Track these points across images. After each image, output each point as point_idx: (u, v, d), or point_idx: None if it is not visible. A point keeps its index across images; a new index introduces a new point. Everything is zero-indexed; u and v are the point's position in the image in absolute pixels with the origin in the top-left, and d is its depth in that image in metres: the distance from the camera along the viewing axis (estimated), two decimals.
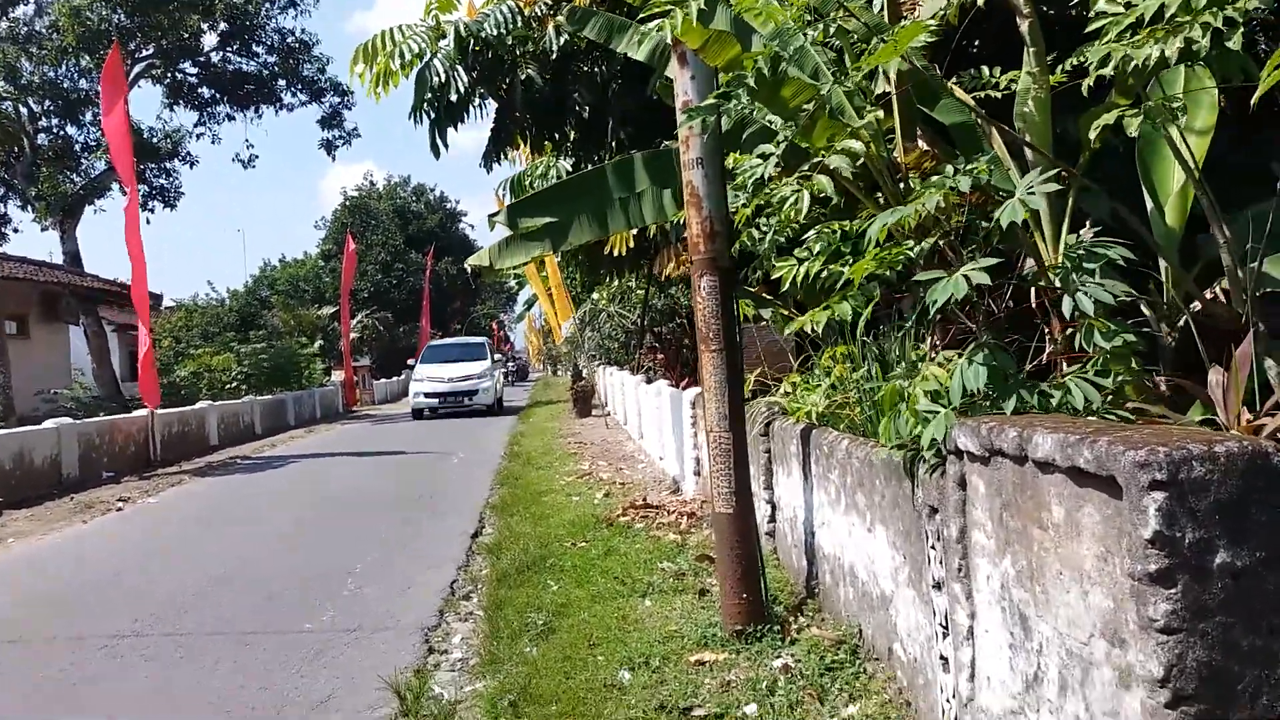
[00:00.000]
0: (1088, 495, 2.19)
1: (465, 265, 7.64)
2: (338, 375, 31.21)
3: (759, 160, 3.98)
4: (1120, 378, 2.83)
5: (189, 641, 5.33)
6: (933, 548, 3.06)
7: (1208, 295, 4.07)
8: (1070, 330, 3.15)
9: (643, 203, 5.81)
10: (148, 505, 10.83)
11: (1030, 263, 4.10)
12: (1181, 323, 3.86)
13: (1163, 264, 4.07)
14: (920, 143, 4.61)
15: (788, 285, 4.28)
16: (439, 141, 7.47)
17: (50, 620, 5.87)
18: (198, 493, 11.94)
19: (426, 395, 23.39)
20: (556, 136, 8.33)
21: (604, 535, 7.13)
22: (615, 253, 8.89)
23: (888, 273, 3.53)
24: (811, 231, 4.17)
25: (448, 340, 29.87)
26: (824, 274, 4.12)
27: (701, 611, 5.05)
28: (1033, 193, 2.87)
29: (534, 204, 5.94)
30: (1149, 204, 4.33)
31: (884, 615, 3.70)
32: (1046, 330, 3.94)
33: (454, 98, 7.20)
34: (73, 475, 12.68)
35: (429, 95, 7.13)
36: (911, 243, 3.50)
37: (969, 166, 3.24)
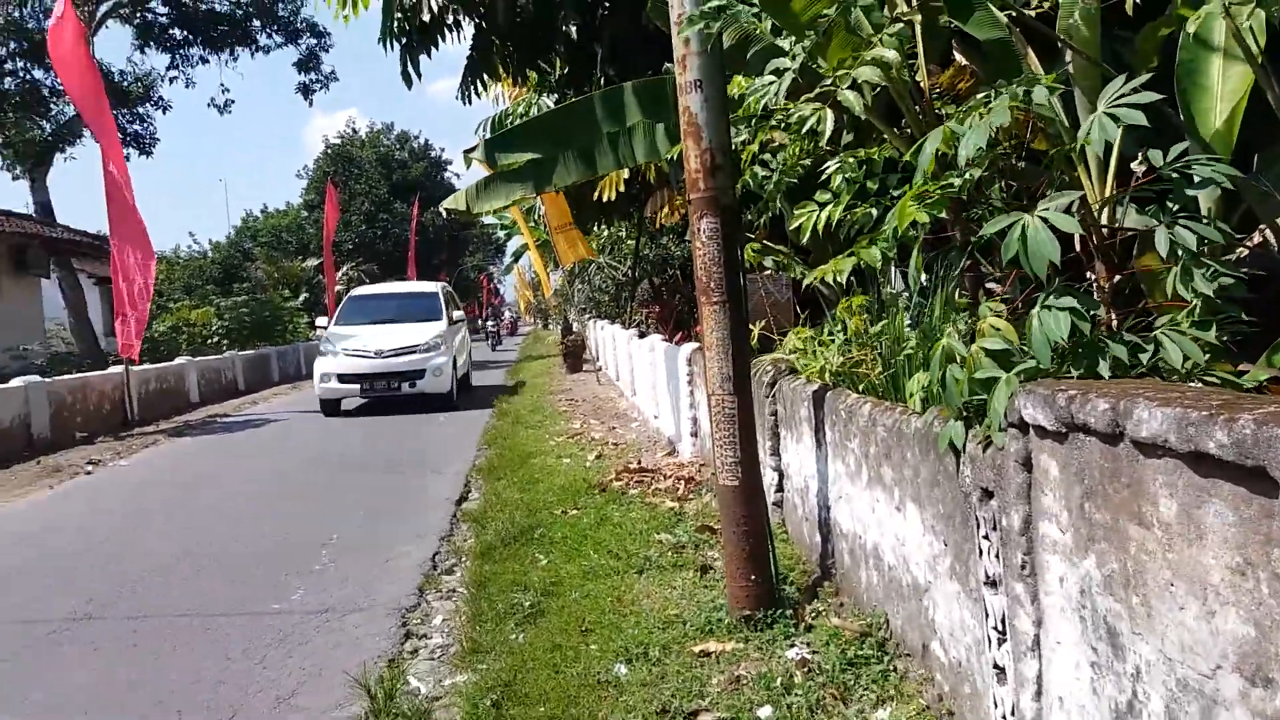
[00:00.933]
0: (1216, 489, 1.71)
1: (440, 209, 6.82)
2: (322, 323, 30.56)
3: (771, 78, 3.41)
4: (1220, 334, 2.32)
5: (144, 625, 4.87)
6: (985, 537, 2.58)
7: (1255, 240, 3.58)
8: (1154, 272, 2.63)
9: (634, 139, 5.25)
10: (118, 469, 10.33)
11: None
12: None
13: (1204, 205, 3.57)
14: (957, 56, 4.05)
15: (808, 236, 3.74)
16: (410, 70, 6.83)
17: (3, 601, 5.40)
18: (172, 454, 11.44)
19: (341, 379, 14.26)
20: (541, 66, 7.66)
21: (596, 502, 6.67)
22: (605, 198, 8.31)
23: (932, 217, 3.00)
24: (831, 162, 3.62)
25: (382, 288, 19.62)
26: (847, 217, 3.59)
27: (704, 592, 4.60)
28: (1118, 106, 2.34)
29: (515, 139, 5.37)
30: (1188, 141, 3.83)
31: (917, 606, 3.24)
32: (1096, 279, 3.45)
33: (426, 17, 6.53)
34: (44, 436, 12.14)
35: (398, 15, 6.47)
36: (955, 178, 2.96)
37: (1033, 79, 2.69)
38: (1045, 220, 2.32)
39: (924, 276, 3.75)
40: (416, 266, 37.61)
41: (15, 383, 12.10)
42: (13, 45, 20.19)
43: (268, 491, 8.46)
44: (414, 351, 14.40)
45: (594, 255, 19.11)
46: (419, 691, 3.96)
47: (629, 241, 19.16)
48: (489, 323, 40.79)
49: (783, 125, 5.73)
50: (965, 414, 2.64)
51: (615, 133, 5.26)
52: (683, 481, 6.82)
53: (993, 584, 2.56)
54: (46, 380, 12.83)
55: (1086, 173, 3.71)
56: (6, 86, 20.35)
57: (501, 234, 50.11)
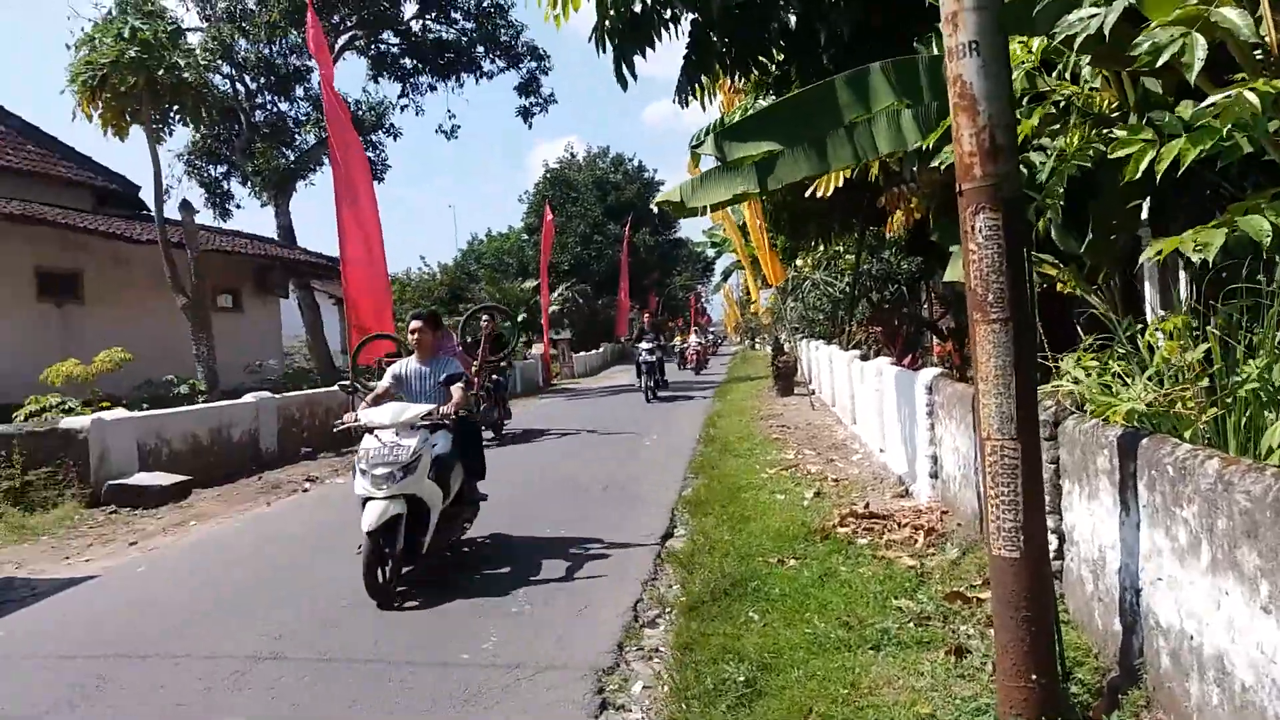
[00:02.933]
0: None
1: (653, 205, 6.18)
2: (537, 349, 31.22)
3: (1092, 10, 2.52)
4: None
5: (327, 670, 4.51)
6: None
7: None
8: None
9: (875, 128, 4.45)
10: (333, 486, 10.49)
11: None
12: None
13: None
14: None
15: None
16: (625, 70, 6.32)
17: (188, 632, 5.24)
18: None
19: None
20: (759, 62, 6.92)
21: (818, 551, 5.83)
22: (820, 194, 7.41)
23: None
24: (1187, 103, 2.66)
25: None
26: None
27: (961, 684, 3.69)
28: None
29: (747, 129, 4.70)
30: None
31: None
32: None
33: (638, 8, 6.00)
34: (271, 450, 12.64)
35: (610, 12, 5.98)
36: None
37: None
38: None
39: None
40: (629, 286, 37.93)
41: (247, 399, 12.69)
42: (262, 80, 21.83)
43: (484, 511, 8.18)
44: None
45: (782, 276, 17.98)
46: None
47: (847, 256, 18.08)
48: (643, 344, 20.36)
49: (1061, 104, 4.73)
50: None
51: (854, 123, 4.48)
52: (921, 532, 5.85)
53: None
54: (277, 397, 13.41)
55: None
56: (257, 119, 22.03)
57: (711, 252, 49.92)
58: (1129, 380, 3.89)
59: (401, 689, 4.24)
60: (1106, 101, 5.13)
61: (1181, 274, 8.45)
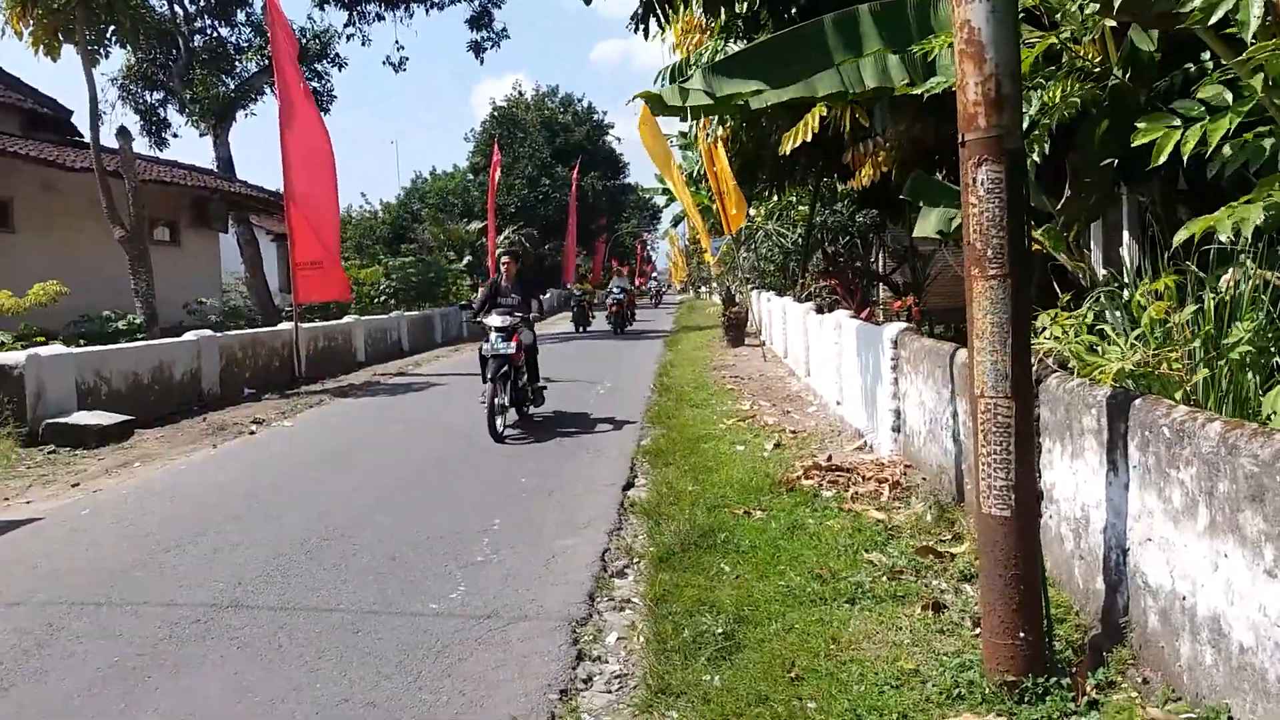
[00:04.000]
0: None
1: (630, 100, 6.15)
2: (483, 292, 30.79)
3: None
4: None
5: (291, 621, 4.38)
6: None
7: None
8: None
9: (862, 66, 4.34)
10: (281, 429, 10.22)
11: None
12: None
13: None
14: None
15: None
16: None
17: (147, 578, 5.07)
18: (334, 416, 11.31)
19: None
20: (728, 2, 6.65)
21: (784, 504, 5.83)
22: (788, 149, 7.29)
23: None
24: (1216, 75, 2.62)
25: None
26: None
27: (942, 639, 3.72)
28: None
29: (735, 65, 4.55)
30: None
31: None
32: None
33: None
34: (213, 391, 12.28)
35: None
36: None
37: None
38: None
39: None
40: (575, 231, 37.49)
41: (188, 336, 12.27)
42: (202, 3, 20.80)
43: (429, 462, 8.05)
44: None
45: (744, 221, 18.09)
46: None
47: (800, 208, 18.06)
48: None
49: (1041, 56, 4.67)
50: None
51: (843, 63, 4.37)
52: (886, 485, 5.88)
53: None
54: (219, 335, 13.00)
55: None
56: (196, 44, 21.02)
57: (661, 199, 49.59)
58: (1113, 340, 3.90)
59: (370, 639, 4.14)
60: (1091, 56, 5.10)
61: (1125, 235, 8.59)
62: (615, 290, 25.91)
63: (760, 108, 4.71)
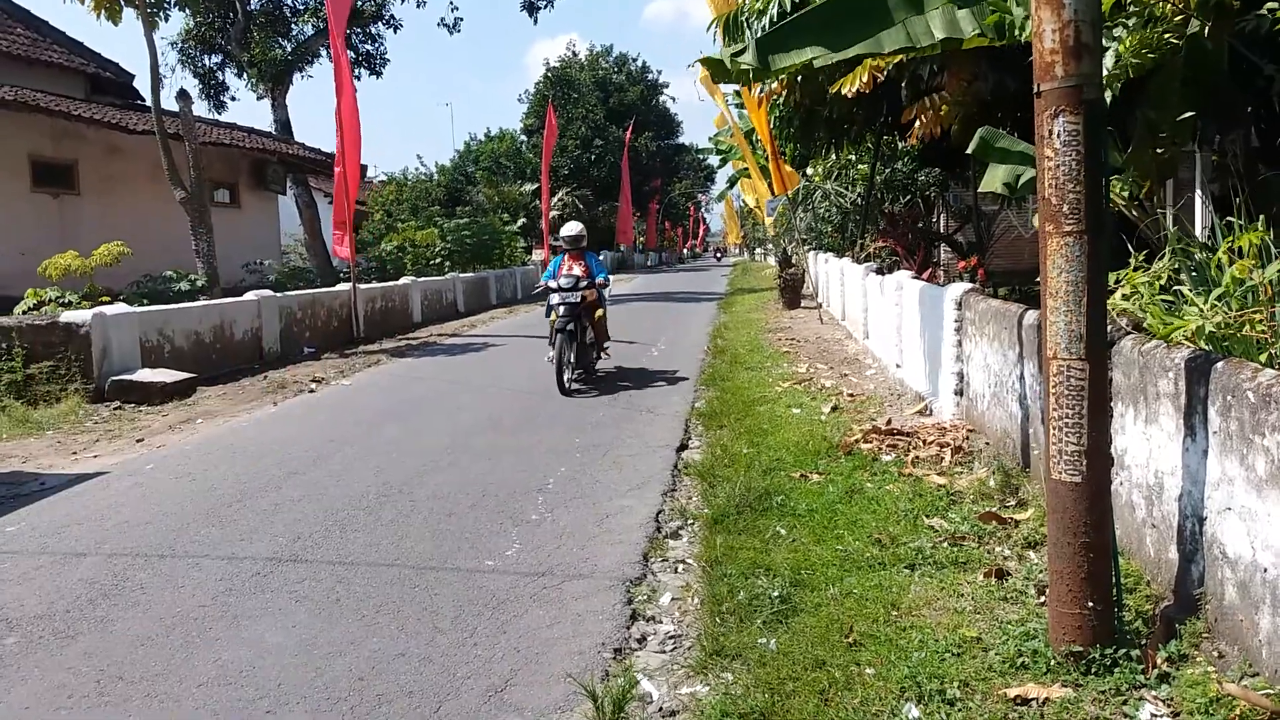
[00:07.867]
0: None
1: (690, 64, 5.95)
2: (538, 254, 30.85)
3: None
4: None
5: (350, 575, 4.44)
6: None
7: None
8: None
9: (931, 22, 4.16)
10: (340, 388, 10.37)
11: None
12: None
13: None
14: None
15: None
16: None
17: (209, 531, 5.18)
18: (392, 375, 11.44)
19: None
20: None
21: (843, 468, 5.74)
22: (847, 91, 7.05)
23: None
24: None
25: None
26: None
27: (1005, 607, 3.63)
28: None
29: (791, 33, 4.39)
30: None
31: None
32: None
33: None
34: (273, 350, 12.50)
35: None
36: None
37: None
38: None
39: None
40: (629, 193, 37.23)
41: (249, 296, 12.47)
42: None
43: (485, 421, 8.10)
44: None
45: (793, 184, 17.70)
46: (651, 698, 3.25)
47: (860, 166, 17.68)
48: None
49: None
50: None
51: (907, 20, 4.20)
52: (948, 450, 5.75)
53: None
54: (279, 295, 13.20)
55: None
56: (253, 7, 21.15)
57: (715, 160, 49.05)
58: (1190, 301, 3.73)
59: (427, 594, 4.18)
60: (1169, 5, 4.84)
61: (1198, 193, 8.23)
62: (562, 282, 9.94)
63: (821, 65, 4.56)
